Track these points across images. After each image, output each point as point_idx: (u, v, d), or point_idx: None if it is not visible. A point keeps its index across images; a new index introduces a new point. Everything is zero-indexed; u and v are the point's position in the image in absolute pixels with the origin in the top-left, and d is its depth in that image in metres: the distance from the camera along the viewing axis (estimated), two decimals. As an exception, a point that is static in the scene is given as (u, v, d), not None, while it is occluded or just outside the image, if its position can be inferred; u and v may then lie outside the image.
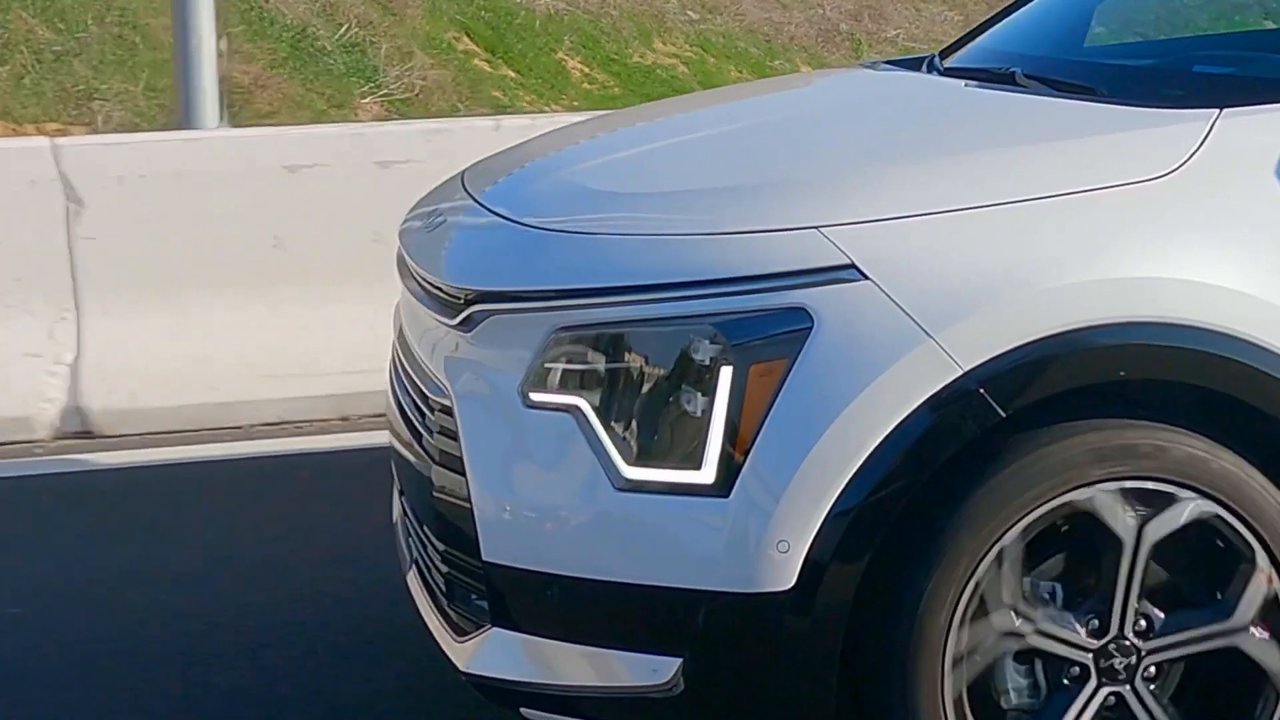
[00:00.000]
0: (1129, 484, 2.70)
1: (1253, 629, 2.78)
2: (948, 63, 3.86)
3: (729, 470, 2.65)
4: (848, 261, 2.66)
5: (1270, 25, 4.10)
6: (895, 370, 2.61)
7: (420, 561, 3.25)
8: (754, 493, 2.64)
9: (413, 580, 3.31)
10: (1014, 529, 2.67)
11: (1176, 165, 2.76)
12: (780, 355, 2.64)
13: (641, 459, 2.71)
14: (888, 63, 4.09)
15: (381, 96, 10.36)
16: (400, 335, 3.43)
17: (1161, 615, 2.78)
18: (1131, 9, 4.36)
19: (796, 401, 2.63)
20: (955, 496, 2.67)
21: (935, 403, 2.61)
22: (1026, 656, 2.76)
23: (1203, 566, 2.80)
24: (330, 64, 10.45)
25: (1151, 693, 2.78)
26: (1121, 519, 2.71)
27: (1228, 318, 2.70)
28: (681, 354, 2.70)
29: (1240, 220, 2.77)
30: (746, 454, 2.64)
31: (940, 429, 2.63)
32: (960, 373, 2.62)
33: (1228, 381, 2.72)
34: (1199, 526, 2.75)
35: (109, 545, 4.51)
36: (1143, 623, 2.76)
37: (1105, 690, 2.76)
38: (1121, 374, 2.69)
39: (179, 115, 6.50)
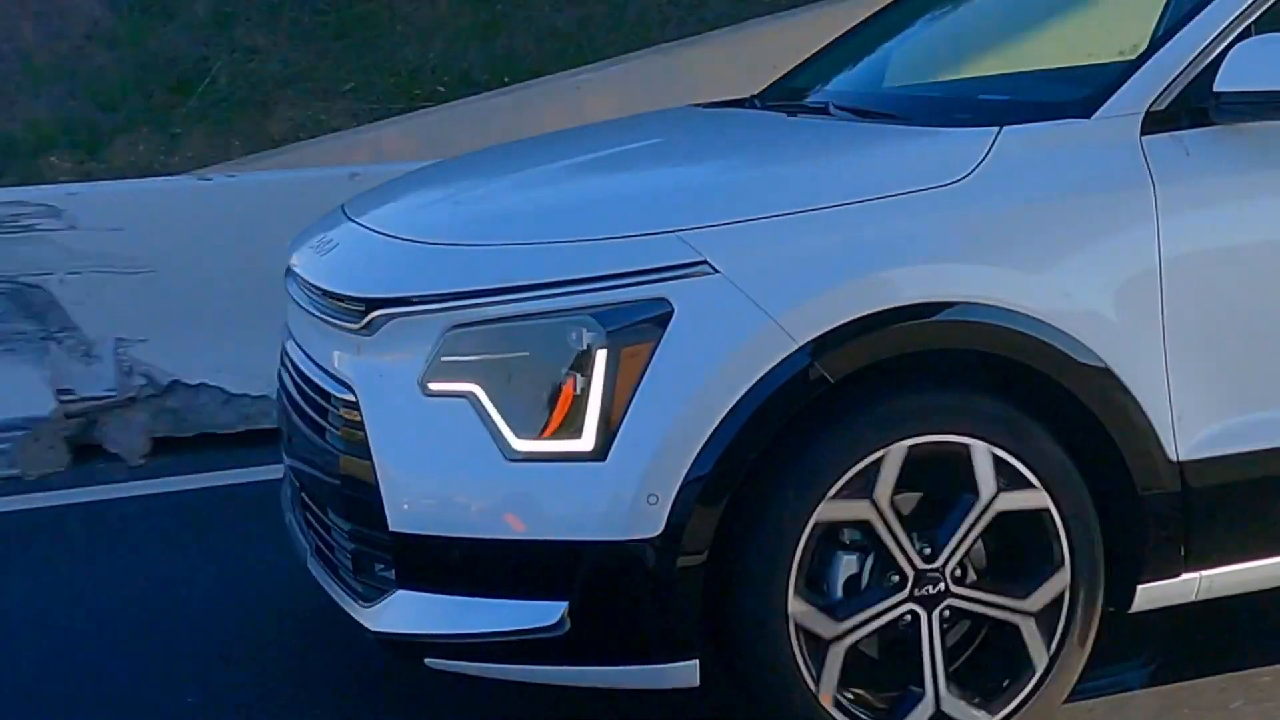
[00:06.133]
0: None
1: (1034, 619, 3.31)
2: (768, 100, 4.42)
3: (606, 438, 3.12)
4: (701, 258, 3.16)
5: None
6: (743, 347, 3.12)
7: (322, 545, 3.65)
8: (627, 455, 3.11)
9: (314, 565, 3.72)
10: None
11: (969, 171, 3.30)
12: (646, 339, 3.13)
13: (529, 433, 3.17)
14: (717, 103, 4.64)
15: None
16: (294, 347, 3.84)
17: (975, 574, 3.31)
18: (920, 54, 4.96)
19: (661, 377, 3.12)
20: (796, 449, 3.17)
21: (777, 372, 3.12)
22: (864, 554, 3.25)
23: (1023, 550, 3.32)
24: None
25: (941, 628, 3.30)
26: (986, 477, 3.24)
27: (1010, 297, 3.23)
28: (562, 341, 3.17)
29: (1018, 215, 3.31)
30: (620, 423, 3.12)
31: (782, 394, 3.12)
32: (796, 347, 3.12)
33: (1016, 350, 3.25)
34: (1032, 515, 3.29)
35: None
36: (960, 571, 3.29)
37: (908, 606, 3.27)
38: (932, 345, 3.21)
39: None
